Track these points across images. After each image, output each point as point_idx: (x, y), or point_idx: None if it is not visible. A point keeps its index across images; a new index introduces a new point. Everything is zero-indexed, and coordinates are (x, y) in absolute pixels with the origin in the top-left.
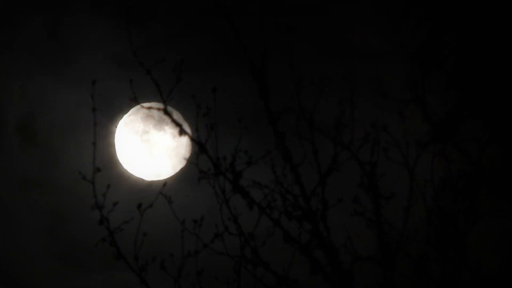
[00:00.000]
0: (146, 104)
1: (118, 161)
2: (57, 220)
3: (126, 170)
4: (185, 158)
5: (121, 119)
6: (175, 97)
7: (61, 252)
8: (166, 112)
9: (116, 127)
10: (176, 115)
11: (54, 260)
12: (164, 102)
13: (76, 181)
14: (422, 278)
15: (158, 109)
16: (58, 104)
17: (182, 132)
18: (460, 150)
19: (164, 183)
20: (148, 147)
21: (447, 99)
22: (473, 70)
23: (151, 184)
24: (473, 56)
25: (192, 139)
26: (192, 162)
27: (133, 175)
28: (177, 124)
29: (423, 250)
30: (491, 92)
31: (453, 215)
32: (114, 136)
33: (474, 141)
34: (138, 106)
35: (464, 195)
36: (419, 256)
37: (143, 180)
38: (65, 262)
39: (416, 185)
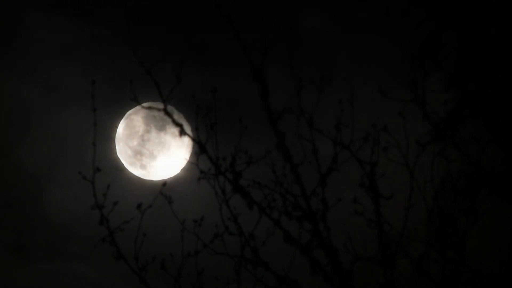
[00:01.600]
0: (146, 104)
1: (119, 161)
2: (5, 212)
3: (126, 170)
4: (185, 158)
5: (122, 118)
6: (177, 96)
7: (9, 242)
8: (166, 112)
9: (116, 126)
10: (177, 115)
11: (2, 251)
12: (164, 102)
13: (26, 174)
14: (422, 278)
15: (158, 109)
16: (7, 97)
17: (182, 132)
18: (460, 150)
19: (164, 183)
20: (149, 147)
21: (447, 99)
22: (473, 70)
23: (151, 184)
24: (473, 56)
25: (192, 139)
26: (192, 162)
27: (133, 175)
28: (177, 124)
29: (423, 250)
30: (491, 92)
31: (453, 215)
32: (115, 136)
33: (474, 141)
34: (139, 106)
35: (464, 195)
36: (419, 256)
37: (142, 180)
38: (12, 253)
39: (416, 185)
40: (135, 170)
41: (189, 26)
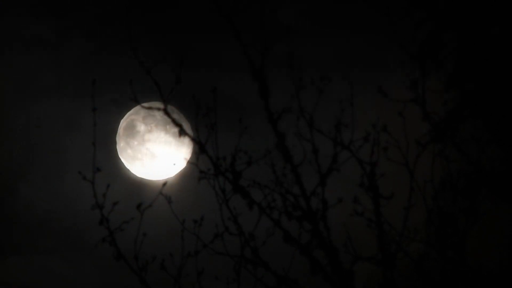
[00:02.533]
0: (146, 104)
1: (119, 160)
2: None
3: (126, 170)
4: (185, 158)
5: (122, 118)
6: (177, 96)
7: None
8: (166, 112)
9: (118, 126)
10: (178, 115)
11: None
12: (164, 102)
13: None
14: (422, 278)
15: (158, 109)
16: None
17: (182, 132)
18: (460, 150)
19: (164, 183)
20: (149, 147)
21: (447, 99)
22: (473, 70)
23: (151, 184)
24: (473, 56)
25: (192, 139)
26: (192, 162)
27: (133, 175)
28: (177, 124)
29: (423, 250)
30: (491, 92)
31: (453, 215)
32: (115, 136)
33: (474, 141)
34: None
35: (464, 195)
36: (419, 256)
37: (143, 180)
38: None
39: (416, 185)
40: (135, 170)
41: (189, 26)
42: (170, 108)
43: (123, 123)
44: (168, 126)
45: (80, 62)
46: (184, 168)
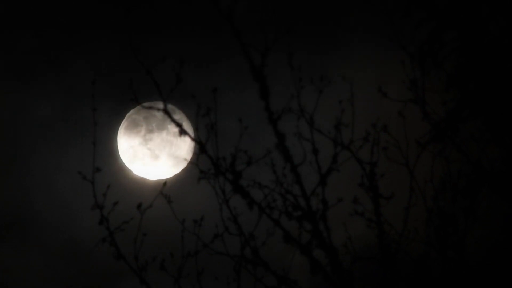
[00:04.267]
0: (146, 104)
1: (119, 160)
2: None
3: (126, 169)
4: (185, 158)
5: (123, 118)
6: (177, 96)
7: None
8: (167, 112)
9: (119, 126)
10: (179, 115)
11: None
12: (164, 102)
13: None
14: (422, 278)
15: (158, 109)
16: None
17: (182, 132)
18: (460, 150)
19: (164, 183)
20: (150, 147)
21: (447, 99)
22: (473, 70)
23: (151, 184)
24: (473, 56)
25: (193, 139)
26: (192, 162)
27: (133, 175)
28: (177, 124)
29: (423, 250)
30: (491, 92)
31: (453, 215)
32: (116, 136)
33: (474, 141)
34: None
35: (464, 195)
36: (419, 256)
37: (143, 180)
38: None
39: (416, 185)
40: (135, 169)
41: (189, 26)
42: (170, 108)
43: (124, 123)
44: (169, 126)
45: (23, 56)
46: (184, 168)
